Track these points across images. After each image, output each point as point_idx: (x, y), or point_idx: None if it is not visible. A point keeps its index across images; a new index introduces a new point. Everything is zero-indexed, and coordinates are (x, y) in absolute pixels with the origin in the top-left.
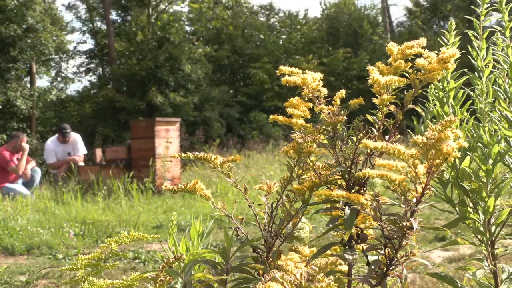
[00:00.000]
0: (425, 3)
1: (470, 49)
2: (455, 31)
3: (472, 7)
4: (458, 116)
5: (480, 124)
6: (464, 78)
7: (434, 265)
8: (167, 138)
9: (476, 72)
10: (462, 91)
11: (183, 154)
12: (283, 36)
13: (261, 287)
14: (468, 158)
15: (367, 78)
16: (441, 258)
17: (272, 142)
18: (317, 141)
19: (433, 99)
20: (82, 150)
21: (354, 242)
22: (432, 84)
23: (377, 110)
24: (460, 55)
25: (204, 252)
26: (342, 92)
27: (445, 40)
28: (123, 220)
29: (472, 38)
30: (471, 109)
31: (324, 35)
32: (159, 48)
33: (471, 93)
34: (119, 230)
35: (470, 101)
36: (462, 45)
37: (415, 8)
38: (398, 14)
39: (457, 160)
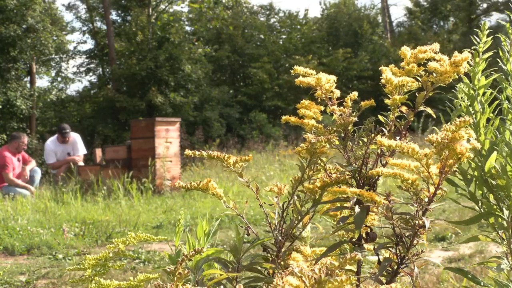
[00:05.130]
0: (425, 3)
1: (500, 52)
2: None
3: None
4: (486, 114)
5: (507, 126)
6: (495, 76)
7: (433, 265)
8: (167, 138)
9: (504, 76)
10: (489, 91)
11: (197, 152)
12: (283, 36)
13: (279, 282)
14: (494, 154)
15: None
16: (441, 258)
17: (272, 142)
18: (332, 141)
19: (462, 96)
20: (81, 150)
21: (363, 241)
22: (462, 82)
23: (387, 111)
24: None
25: (220, 250)
26: (354, 94)
27: (477, 39)
28: (123, 220)
29: (503, 41)
30: (498, 109)
31: (324, 35)
32: (159, 48)
33: (498, 95)
34: (119, 230)
35: (498, 101)
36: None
37: (415, 8)
38: (398, 14)
39: (482, 157)
